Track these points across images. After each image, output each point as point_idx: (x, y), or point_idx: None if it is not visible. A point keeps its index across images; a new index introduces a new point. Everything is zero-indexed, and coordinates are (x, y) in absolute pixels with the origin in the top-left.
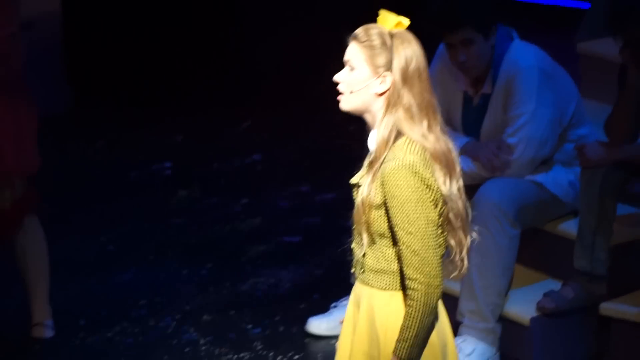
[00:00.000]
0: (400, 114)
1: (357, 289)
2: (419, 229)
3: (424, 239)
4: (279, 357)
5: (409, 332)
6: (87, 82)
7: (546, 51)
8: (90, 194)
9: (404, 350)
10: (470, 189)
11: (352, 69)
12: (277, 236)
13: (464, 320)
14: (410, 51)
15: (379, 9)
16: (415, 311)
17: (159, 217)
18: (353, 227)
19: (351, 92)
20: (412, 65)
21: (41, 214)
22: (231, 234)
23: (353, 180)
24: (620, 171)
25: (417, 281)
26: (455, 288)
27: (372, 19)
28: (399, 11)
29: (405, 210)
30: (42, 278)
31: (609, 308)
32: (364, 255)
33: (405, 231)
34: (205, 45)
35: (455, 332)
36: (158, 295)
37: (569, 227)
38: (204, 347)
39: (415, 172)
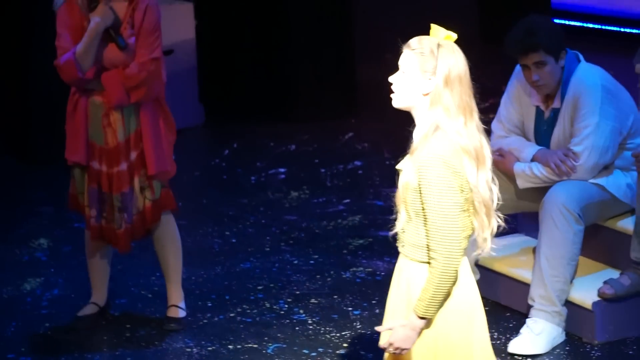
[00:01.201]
0: (440, 111)
1: (400, 261)
2: (444, 208)
3: (447, 217)
4: (375, 335)
5: (427, 293)
6: (216, 101)
7: (608, 71)
8: (217, 195)
9: (421, 308)
10: (541, 190)
11: (404, 72)
12: (374, 232)
13: (534, 304)
14: (453, 60)
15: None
16: (434, 277)
17: (274, 215)
18: (396, 207)
19: (402, 92)
20: (454, 72)
21: (176, 211)
22: (335, 229)
23: (398, 167)
24: None
25: (438, 252)
26: (527, 276)
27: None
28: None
29: (433, 192)
30: (176, 266)
31: None
32: (403, 231)
33: (432, 210)
34: (315, 71)
35: (527, 314)
36: (273, 281)
37: (626, 224)
38: (311, 327)
39: (445, 161)
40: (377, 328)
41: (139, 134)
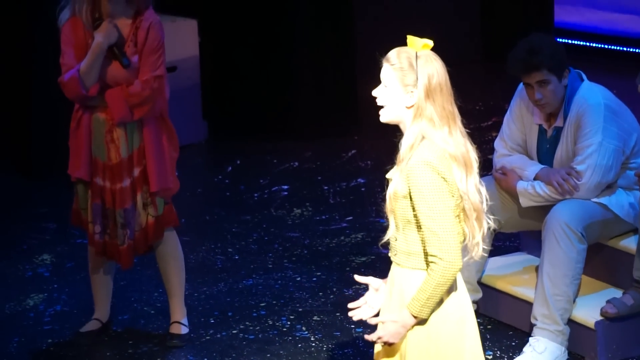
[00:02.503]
0: (424, 123)
1: (393, 269)
2: (438, 213)
3: (442, 222)
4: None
5: (424, 294)
6: (219, 117)
7: (611, 91)
8: (220, 212)
9: (416, 307)
10: (544, 209)
11: (386, 86)
12: (377, 249)
13: (537, 322)
14: (432, 69)
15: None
16: (432, 279)
17: (277, 232)
18: (386, 216)
19: (387, 106)
20: (434, 82)
21: (178, 228)
22: (337, 246)
23: (388, 176)
24: None
25: (437, 257)
26: (529, 294)
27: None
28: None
29: (425, 198)
30: (179, 283)
31: None
32: (395, 239)
33: (425, 215)
34: (317, 89)
35: (530, 332)
36: (275, 298)
37: (629, 243)
38: (314, 344)
39: (433, 167)
40: (369, 320)
41: (142, 150)
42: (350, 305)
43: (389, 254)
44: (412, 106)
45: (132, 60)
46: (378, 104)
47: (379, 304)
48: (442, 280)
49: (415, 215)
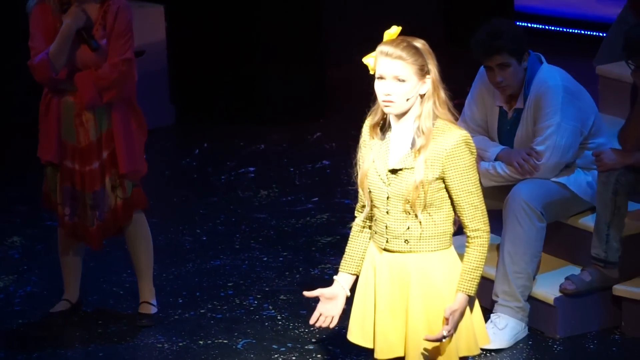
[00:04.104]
0: (438, 105)
1: (397, 261)
2: (477, 188)
3: (480, 195)
4: (343, 331)
5: (476, 271)
6: (187, 101)
7: (570, 73)
8: (188, 194)
9: (474, 287)
10: (505, 189)
11: (404, 80)
12: (342, 229)
13: (498, 299)
14: (431, 50)
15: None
16: (482, 252)
17: (244, 213)
18: (386, 210)
19: (407, 100)
20: (436, 60)
21: (147, 210)
22: (304, 227)
23: (397, 166)
24: (631, 174)
25: (481, 230)
26: (491, 272)
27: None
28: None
29: (467, 175)
30: (148, 263)
31: (620, 289)
32: (408, 228)
33: (469, 192)
34: (284, 73)
35: (491, 309)
36: (243, 278)
37: (587, 221)
38: (280, 322)
39: (469, 145)
40: (446, 312)
41: (110, 133)
42: (311, 322)
43: (387, 247)
44: (426, 92)
45: (101, 43)
46: (392, 100)
47: (334, 311)
48: (486, 251)
49: (444, 195)
